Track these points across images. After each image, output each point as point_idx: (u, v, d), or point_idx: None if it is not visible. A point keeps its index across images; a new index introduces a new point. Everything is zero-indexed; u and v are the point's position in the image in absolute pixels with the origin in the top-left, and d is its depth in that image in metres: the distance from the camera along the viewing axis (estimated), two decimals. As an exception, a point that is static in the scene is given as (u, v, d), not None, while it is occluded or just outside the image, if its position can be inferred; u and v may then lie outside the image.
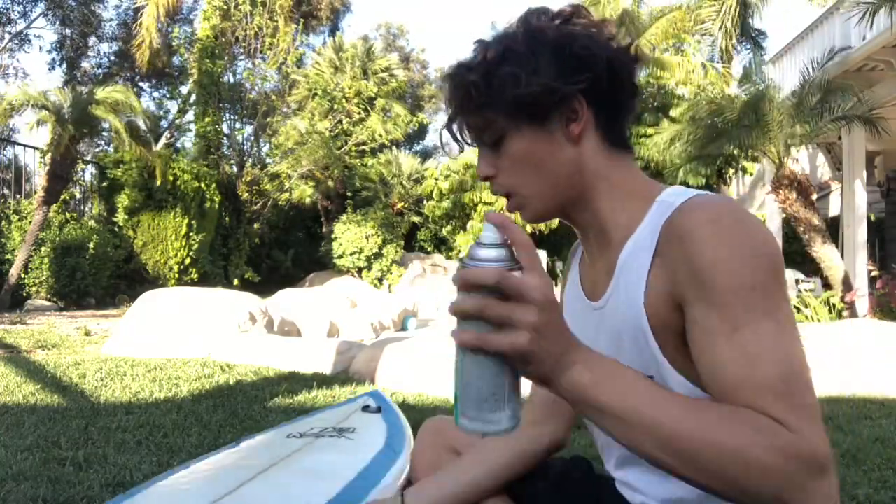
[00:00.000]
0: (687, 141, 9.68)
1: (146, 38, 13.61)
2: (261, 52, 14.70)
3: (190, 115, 16.33)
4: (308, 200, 16.60)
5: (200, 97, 14.15)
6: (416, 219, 15.95)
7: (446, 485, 1.11)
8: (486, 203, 14.08)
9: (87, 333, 6.92)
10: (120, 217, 11.96)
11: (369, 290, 12.27)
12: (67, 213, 11.75)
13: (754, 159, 13.37)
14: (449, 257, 15.37)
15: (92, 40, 20.78)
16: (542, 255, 13.96)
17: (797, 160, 8.89)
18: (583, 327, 0.95)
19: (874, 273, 9.13)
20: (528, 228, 13.18)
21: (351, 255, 14.17)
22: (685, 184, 13.46)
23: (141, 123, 11.63)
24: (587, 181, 0.90)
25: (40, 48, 32.89)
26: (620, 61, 0.89)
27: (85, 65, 21.27)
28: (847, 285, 8.35)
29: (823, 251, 8.45)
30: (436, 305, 10.45)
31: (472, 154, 13.17)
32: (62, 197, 11.24)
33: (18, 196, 12.27)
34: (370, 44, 18.28)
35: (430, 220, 15.70)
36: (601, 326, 0.92)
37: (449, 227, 15.41)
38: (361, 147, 16.08)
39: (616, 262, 0.88)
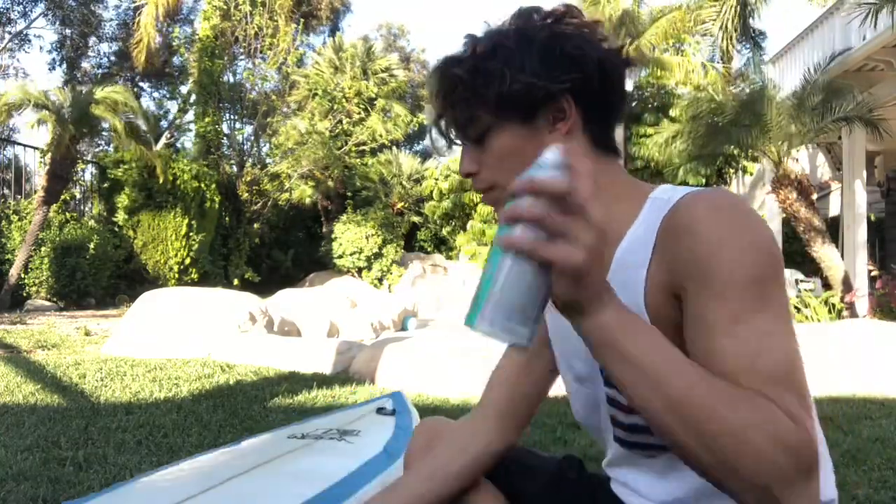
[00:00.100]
0: (686, 139, 9.68)
1: (144, 38, 13.60)
2: (261, 52, 14.70)
3: (190, 115, 16.33)
4: (308, 200, 16.60)
5: (200, 97, 14.14)
6: (416, 219, 15.95)
7: (390, 500, 1.08)
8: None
9: (87, 333, 6.92)
10: (120, 217, 11.96)
11: (369, 290, 12.27)
12: (67, 213, 11.75)
13: (754, 159, 13.38)
14: (449, 257, 15.37)
15: (92, 40, 20.80)
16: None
17: (797, 160, 8.89)
18: (568, 336, 0.94)
19: (874, 273, 9.14)
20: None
21: (351, 255, 14.17)
22: (685, 183, 13.52)
23: (141, 123, 11.63)
24: None
25: (40, 48, 32.92)
26: (611, 62, 0.88)
27: (85, 65, 21.29)
28: (847, 285, 8.36)
29: (823, 251, 8.46)
30: (436, 306, 10.45)
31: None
32: (62, 197, 11.24)
33: (18, 196, 12.27)
34: (370, 44, 18.27)
35: (430, 220, 15.70)
36: None
37: (449, 227, 15.41)
38: (361, 147, 16.07)
39: (610, 262, 0.87)
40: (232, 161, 14.99)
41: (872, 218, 12.11)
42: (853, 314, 7.95)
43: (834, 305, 7.91)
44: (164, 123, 20.06)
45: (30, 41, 20.18)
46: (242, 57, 15.07)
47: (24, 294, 10.41)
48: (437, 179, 15.28)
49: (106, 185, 12.41)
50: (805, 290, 9.57)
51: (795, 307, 8.06)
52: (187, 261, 11.96)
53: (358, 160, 16.01)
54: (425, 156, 20.15)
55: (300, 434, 2.13)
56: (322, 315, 7.21)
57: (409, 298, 10.00)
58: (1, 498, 2.09)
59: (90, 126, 10.93)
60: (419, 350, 4.61)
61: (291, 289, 10.07)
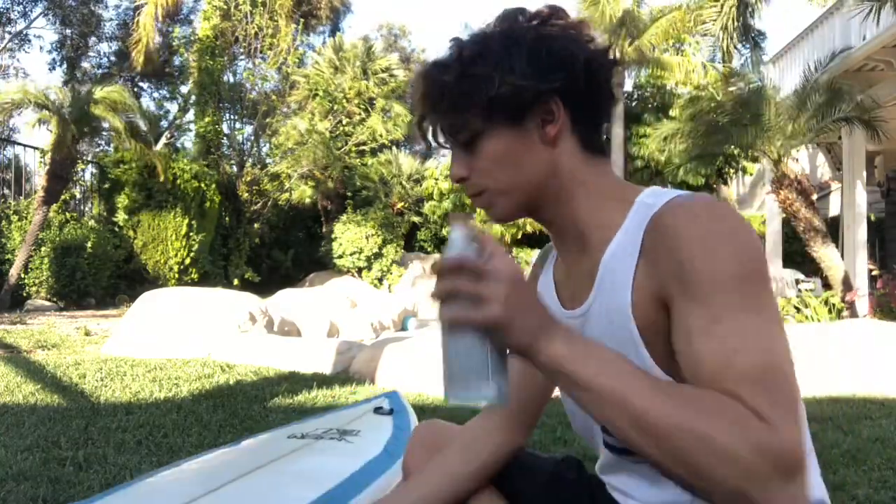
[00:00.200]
0: (685, 139, 9.68)
1: (143, 38, 13.60)
2: (261, 52, 14.69)
3: (190, 115, 16.34)
4: (308, 200, 16.59)
5: (200, 97, 14.14)
6: (416, 219, 15.94)
7: (405, 499, 1.09)
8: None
9: (87, 333, 6.92)
10: (120, 217, 11.96)
11: (369, 290, 12.28)
12: (67, 213, 11.75)
13: (754, 159, 13.38)
14: (449, 257, 15.36)
15: (92, 40, 20.81)
16: (535, 254, 13.96)
17: (797, 160, 8.89)
18: None
19: (874, 273, 9.13)
20: (529, 228, 13.23)
21: (351, 255, 14.17)
22: (685, 183, 13.53)
23: (141, 123, 11.63)
24: (562, 183, 0.89)
25: (40, 48, 32.83)
26: (598, 62, 0.88)
27: (85, 65, 21.29)
28: (847, 285, 8.35)
29: (823, 251, 8.46)
30: (436, 305, 10.42)
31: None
32: (62, 197, 11.24)
33: (18, 196, 12.27)
34: (370, 44, 18.26)
35: (430, 220, 15.70)
36: (583, 332, 0.90)
37: (449, 228, 15.40)
38: (361, 147, 16.07)
39: (598, 266, 0.87)
40: (232, 161, 14.99)
41: (872, 218, 12.11)
42: (853, 314, 7.95)
43: (834, 305, 7.91)
44: (164, 123, 20.06)
45: (30, 41, 20.21)
46: (242, 57, 15.08)
47: (24, 294, 10.41)
48: (437, 179, 15.27)
49: (106, 185, 12.41)
50: (805, 290, 9.58)
51: (795, 307, 8.06)
52: (187, 261, 11.96)
53: (358, 160, 16.01)
54: (425, 156, 20.15)
55: (300, 434, 2.13)
56: (322, 315, 7.21)
57: (409, 298, 10.00)
58: (1, 498, 2.09)
59: (91, 126, 10.94)
60: (419, 350, 4.61)
61: (291, 289, 10.08)
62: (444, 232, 15.61)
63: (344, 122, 16.03)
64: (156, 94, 22.38)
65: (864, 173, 9.88)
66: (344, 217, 14.83)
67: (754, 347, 0.72)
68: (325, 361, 4.87)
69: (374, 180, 15.63)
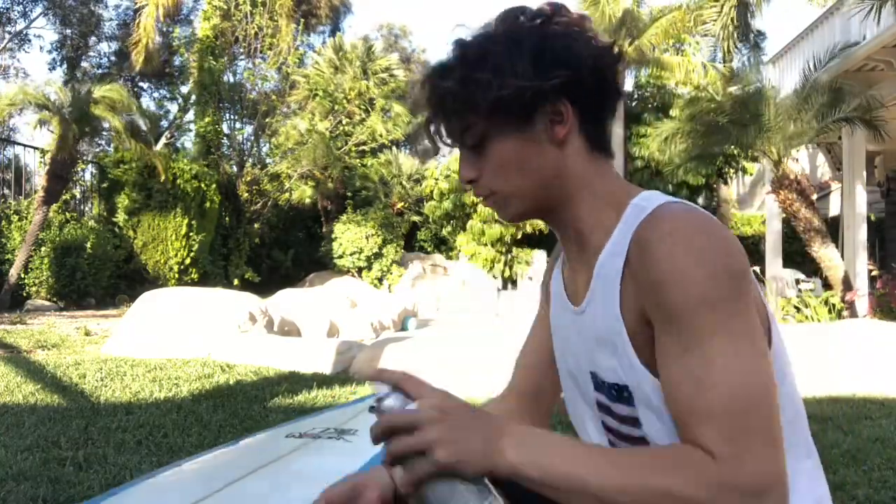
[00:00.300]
0: (685, 139, 9.68)
1: (143, 38, 13.61)
2: (261, 52, 14.69)
3: (190, 115, 16.34)
4: (308, 200, 16.59)
5: (200, 97, 14.14)
6: (416, 219, 15.94)
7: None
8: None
9: (87, 333, 6.92)
10: (120, 217, 11.96)
11: (369, 290, 12.26)
12: (67, 213, 11.75)
13: (754, 159, 13.38)
14: (449, 257, 15.36)
15: (92, 40, 20.81)
16: (541, 253, 13.99)
17: (797, 160, 8.89)
18: (565, 333, 0.96)
19: (874, 273, 9.14)
20: (528, 228, 13.24)
21: (351, 255, 14.18)
22: (685, 183, 13.54)
23: (141, 123, 11.63)
24: (569, 184, 0.88)
25: (40, 48, 32.91)
26: (604, 59, 0.87)
27: (85, 64, 21.30)
28: (847, 285, 8.36)
29: (823, 251, 8.46)
30: (436, 306, 10.44)
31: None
32: (62, 197, 11.24)
33: (18, 196, 12.27)
34: (370, 44, 18.26)
35: (430, 220, 15.70)
36: (581, 332, 0.90)
37: (449, 228, 15.40)
38: (361, 147, 16.07)
39: (594, 268, 0.87)
40: (232, 161, 14.99)
41: (872, 218, 12.11)
42: (853, 314, 7.95)
43: (834, 305, 7.92)
44: (164, 123, 20.07)
45: (30, 41, 20.22)
46: (242, 57, 15.07)
47: (24, 294, 10.41)
48: (437, 179, 15.27)
49: (106, 185, 12.41)
50: (805, 290, 9.59)
51: (795, 307, 8.07)
52: (187, 261, 11.96)
53: (358, 160, 16.01)
54: (425, 155, 20.14)
55: (297, 433, 2.13)
56: (322, 315, 7.20)
57: (409, 298, 9.99)
58: (1, 498, 2.09)
59: (91, 126, 10.94)
60: (419, 350, 4.61)
61: (291, 289, 10.07)
62: (444, 232, 15.62)
63: (344, 122, 16.03)
64: (156, 94, 22.43)
65: (864, 173, 9.88)
66: (344, 217, 14.84)
67: (722, 379, 0.73)
68: (325, 361, 4.87)
69: (374, 180, 15.63)
